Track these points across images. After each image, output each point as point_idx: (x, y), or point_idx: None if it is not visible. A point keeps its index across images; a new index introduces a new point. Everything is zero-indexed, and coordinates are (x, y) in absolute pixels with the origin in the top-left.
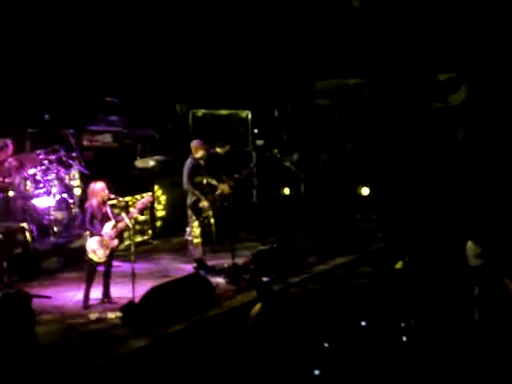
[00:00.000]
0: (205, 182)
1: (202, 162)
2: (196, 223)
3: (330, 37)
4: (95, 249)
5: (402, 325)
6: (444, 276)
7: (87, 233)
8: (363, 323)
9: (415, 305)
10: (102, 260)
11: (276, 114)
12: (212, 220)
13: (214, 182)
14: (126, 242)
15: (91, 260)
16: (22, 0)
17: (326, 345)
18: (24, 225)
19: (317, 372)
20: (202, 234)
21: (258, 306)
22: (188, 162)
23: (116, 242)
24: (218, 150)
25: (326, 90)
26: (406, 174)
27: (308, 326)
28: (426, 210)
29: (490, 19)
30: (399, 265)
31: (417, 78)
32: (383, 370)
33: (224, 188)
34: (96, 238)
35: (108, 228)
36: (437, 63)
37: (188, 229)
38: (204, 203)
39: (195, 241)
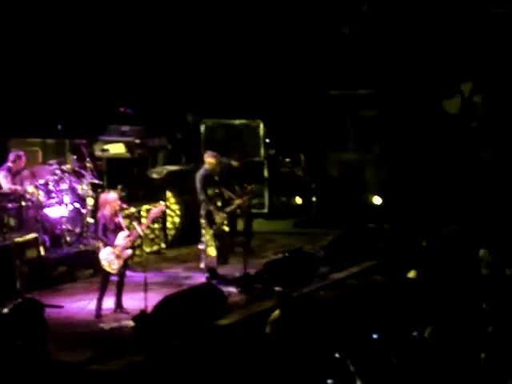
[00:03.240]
0: (217, 191)
1: (215, 173)
2: (210, 233)
3: (342, 47)
4: (109, 260)
5: (414, 334)
6: (457, 285)
7: (100, 243)
8: (375, 336)
9: (428, 313)
10: (116, 271)
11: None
12: (226, 229)
13: (233, 196)
14: (139, 252)
15: (105, 270)
16: (36, 11)
17: (337, 355)
18: (36, 235)
19: (329, 382)
20: (215, 244)
21: (277, 312)
22: (200, 172)
23: (129, 252)
24: (233, 163)
25: (339, 100)
26: (419, 183)
27: (319, 336)
28: (439, 218)
29: (502, 31)
30: (412, 274)
31: (428, 88)
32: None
33: (239, 202)
34: (110, 249)
35: (121, 238)
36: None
37: (202, 238)
38: (217, 217)
39: (208, 250)
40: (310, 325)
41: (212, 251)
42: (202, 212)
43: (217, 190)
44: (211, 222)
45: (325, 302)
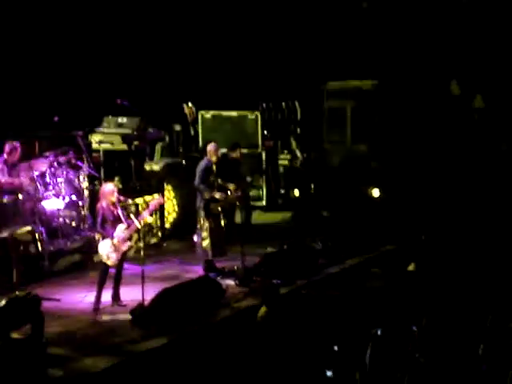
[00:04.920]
0: (214, 181)
1: (214, 165)
2: (206, 225)
3: (341, 37)
4: (108, 252)
5: (414, 328)
6: (456, 278)
7: (98, 236)
8: (375, 331)
9: (427, 306)
10: (115, 263)
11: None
12: (223, 222)
13: (230, 187)
14: (136, 245)
15: (104, 263)
16: (30, 3)
17: (336, 348)
18: (33, 227)
19: (329, 373)
20: (211, 236)
21: (263, 309)
22: (202, 163)
23: (128, 244)
24: (233, 154)
25: (337, 91)
26: (417, 176)
27: (318, 329)
28: (438, 211)
29: (504, 25)
30: (412, 267)
31: (426, 79)
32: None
33: (233, 188)
34: (108, 242)
35: (119, 231)
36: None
37: (197, 230)
38: (217, 195)
39: (205, 243)
40: (300, 320)
41: (208, 244)
42: (199, 204)
43: (213, 180)
44: (208, 213)
45: (323, 295)
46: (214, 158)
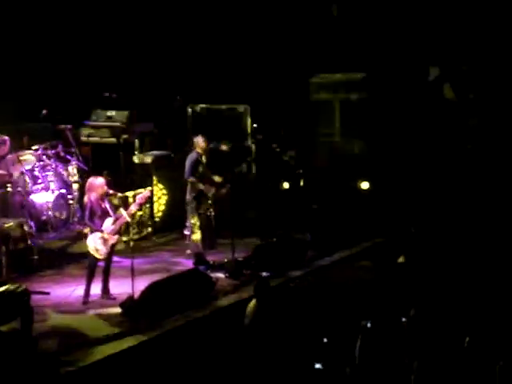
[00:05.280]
0: (203, 173)
1: (203, 157)
2: (195, 218)
3: (329, 30)
4: (96, 245)
5: (403, 319)
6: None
7: (87, 229)
8: (365, 323)
9: (417, 298)
10: (104, 256)
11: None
12: (212, 214)
13: (216, 179)
14: (125, 238)
15: (93, 256)
16: None
17: (325, 340)
18: (22, 220)
19: (317, 366)
20: (201, 229)
21: (253, 302)
22: (191, 156)
23: (116, 237)
24: (223, 147)
25: (326, 84)
26: (407, 169)
27: (308, 321)
28: (427, 203)
29: (493, 14)
30: (402, 258)
31: (415, 71)
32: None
33: (219, 180)
34: (97, 235)
35: (108, 224)
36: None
37: (187, 224)
38: (207, 188)
39: (194, 236)
40: (291, 312)
41: (198, 236)
42: (188, 197)
43: (203, 171)
44: (199, 206)
45: (311, 288)
46: (200, 150)
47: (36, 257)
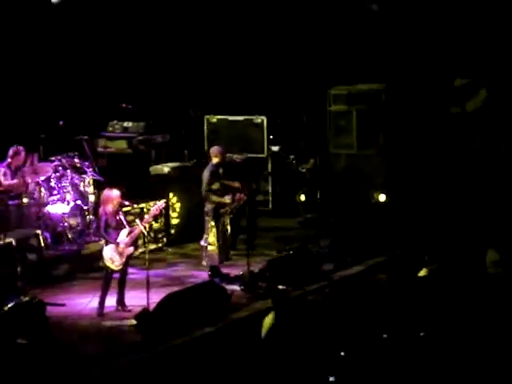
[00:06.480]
0: (217, 186)
1: (220, 168)
2: (213, 230)
3: (346, 42)
4: (112, 257)
5: (421, 334)
6: (465, 284)
7: (102, 241)
8: (383, 335)
9: (436, 313)
10: (119, 268)
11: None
12: (229, 227)
13: (235, 185)
14: (141, 249)
15: (108, 268)
16: (37, 8)
17: (343, 353)
18: (38, 232)
19: (331, 379)
20: (218, 241)
21: (271, 315)
22: (208, 168)
23: (131, 249)
24: (237, 158)
25: (343, 96)
26: (424, 180)
27: (324, 334)
28: (445, 215)
29: (508, 25)
30: (423, 272)
31: (434, 83)
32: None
33: (237, 186)
34: (112, 246)
35: (123, 235)
36: (453, 68)
37: (204, 235)
38: (226, 200)
39: (210, 248)
40: (307, 325)
41: (214, 249)
42: (207, 209)
43: (221, 183)
44: (217, 218)
45: (329, 301)
46: (216, 160)
47: (51, 268)
